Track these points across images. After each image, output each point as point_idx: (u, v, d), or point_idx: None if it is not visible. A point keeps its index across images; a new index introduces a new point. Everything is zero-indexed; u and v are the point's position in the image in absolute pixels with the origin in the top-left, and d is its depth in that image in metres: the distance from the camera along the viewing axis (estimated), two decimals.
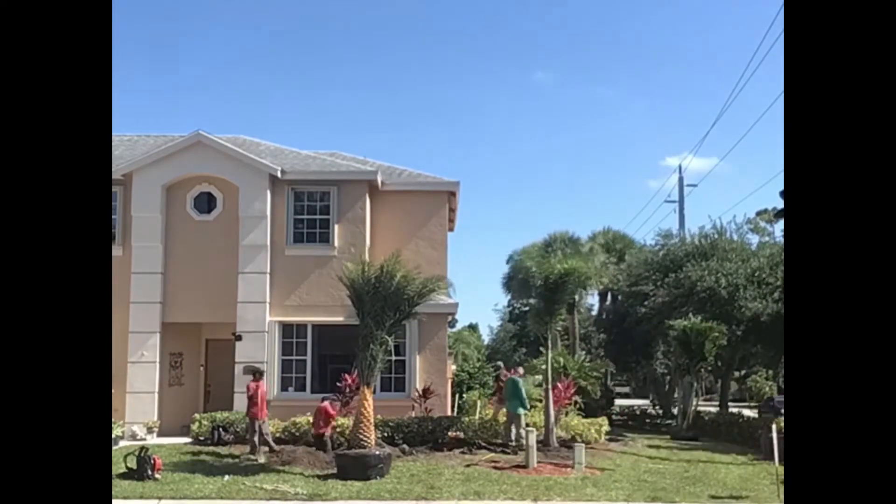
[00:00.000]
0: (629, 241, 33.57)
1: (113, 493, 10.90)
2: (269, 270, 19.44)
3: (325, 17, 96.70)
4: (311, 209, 19.98)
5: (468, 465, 14.82)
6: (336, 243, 19.71)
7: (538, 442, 15.65)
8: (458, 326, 49.70)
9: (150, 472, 13.12)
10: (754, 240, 31.98)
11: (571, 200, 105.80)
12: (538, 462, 14.97)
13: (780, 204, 19.78)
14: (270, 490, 12.47)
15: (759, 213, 42.86)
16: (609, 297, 31.83)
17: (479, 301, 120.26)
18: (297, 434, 16.66)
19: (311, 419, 16.19)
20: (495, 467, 14.74)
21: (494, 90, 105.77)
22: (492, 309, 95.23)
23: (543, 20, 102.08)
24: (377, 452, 14.00)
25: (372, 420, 14.58)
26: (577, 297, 19.49)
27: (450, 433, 16.77)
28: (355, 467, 13.48)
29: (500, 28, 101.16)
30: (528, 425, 16.58)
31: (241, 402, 18.34)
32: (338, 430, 15.97)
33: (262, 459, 14.92)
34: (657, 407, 32.82)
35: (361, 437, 14.17)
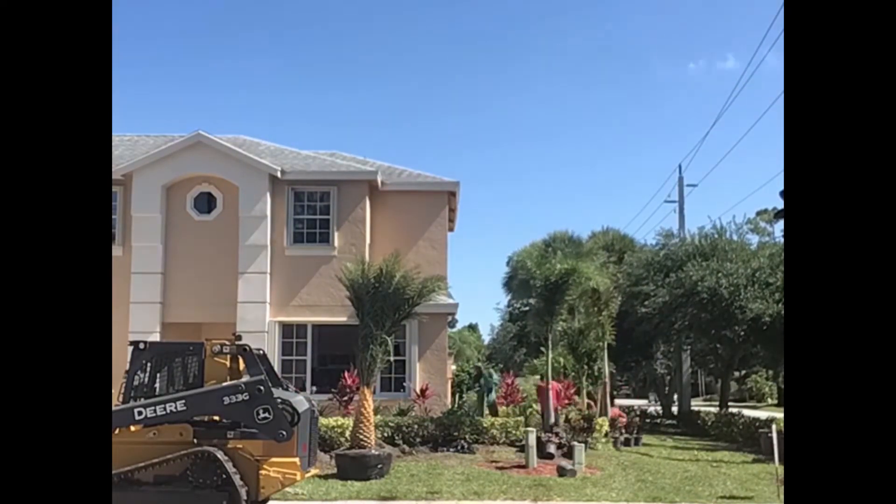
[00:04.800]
0: (629, 242, 33.55)
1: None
2: (269, 270, 19.44)
3: (325, 17, 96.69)
4: (311, 209, 19.98)
5: (468, 465, 14.82)
6: (336, 243, 19.71)
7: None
8: (459, 326, 49.76)
9: None
10: (754, 240, 32.01)
11: (571, 200, 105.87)
12: (538, 462, 14.98)
13: (780, 204, 19.75)
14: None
15: (759, 213, 42.82)
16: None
17: (479, 301, 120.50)
18: None
19: None
20: (496, 467, 14.75)
21: (495, 90, 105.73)
22: (493, 308, 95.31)
23: (542, 21, 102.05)
24: (377, 452, 14.00)
25: (372, 420, 14.59)
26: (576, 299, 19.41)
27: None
28: (355, 467, 13.48)
29: (499, 28, 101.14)
30: (527, 426, 16.61)
31: None
32: (338, 430, 15.98)
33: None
34: (658, 406, 32.84)
35: (361, 437, 14.18)
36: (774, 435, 12.79)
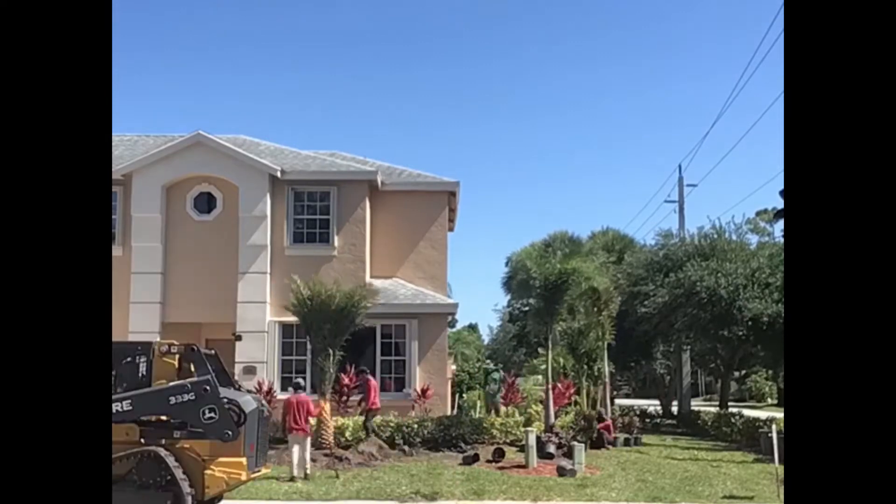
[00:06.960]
0: (629, 242, 33.54)
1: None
2: (269, 270, 19.44)
3: (324, 16, 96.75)
4: (311, 209, 19.97)
5: (468, 465, 14.83)
6: (336, 243, 19.70)
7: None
8: (458, 326, 49.65)
9: None
10: (754, 240, 31.98)
11: (571, 200, 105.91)
12: (538, 462, 14.98)
13: (780, 204, 19.74)
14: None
15: (759, 213, 42.75)
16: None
17: (479, 301, 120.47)
18: None
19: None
20: (496, 467, 14.75)
21: (496, 90, 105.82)
22: (492, 309, 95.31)
23: (540, 21, 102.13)
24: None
25: (331, 424, 15.87)
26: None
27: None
28: None
29: (498, 28, 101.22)
30: (528, 426, 16.61)
31: None
32: (336, 430, 16.13)
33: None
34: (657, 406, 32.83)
35: (321, 439, 15.44)
36: (774, 435, 12.80)
